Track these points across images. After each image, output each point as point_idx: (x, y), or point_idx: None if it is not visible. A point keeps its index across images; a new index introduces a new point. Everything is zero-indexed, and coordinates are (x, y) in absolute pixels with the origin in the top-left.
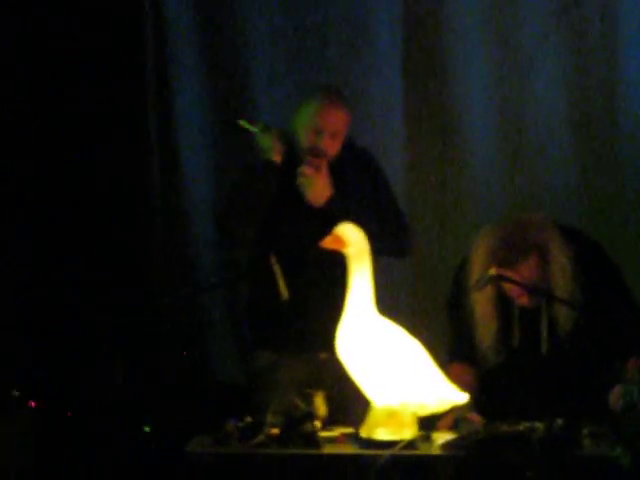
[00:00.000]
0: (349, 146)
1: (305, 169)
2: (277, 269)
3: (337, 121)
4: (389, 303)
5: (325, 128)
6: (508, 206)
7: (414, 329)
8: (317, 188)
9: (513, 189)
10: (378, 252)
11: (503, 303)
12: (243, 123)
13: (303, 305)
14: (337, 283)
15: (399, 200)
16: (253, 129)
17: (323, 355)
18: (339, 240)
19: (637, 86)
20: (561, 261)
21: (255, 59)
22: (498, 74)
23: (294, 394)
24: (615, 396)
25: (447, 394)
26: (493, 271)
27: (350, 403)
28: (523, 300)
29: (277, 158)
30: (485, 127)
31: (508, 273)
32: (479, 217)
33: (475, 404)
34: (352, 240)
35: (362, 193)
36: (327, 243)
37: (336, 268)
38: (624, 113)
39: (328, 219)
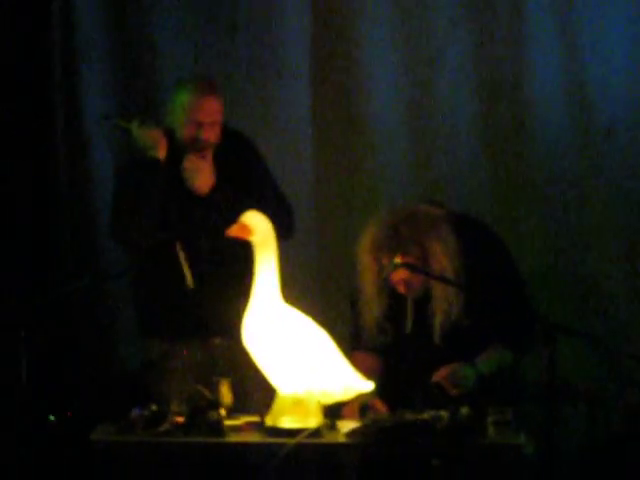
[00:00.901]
0: (224, 131)
1: (191, 161)
2: (182, 256)
3: (214, 111)
4: (295, 292)
5: (204, 119)
6: (416, 196)
7: (320, 318)
8: (201, 178)
9: (421, 178)
10: None
11: (391, 290)
12: (119, 121)
13: (195, 292)
14: (228, 269)
15: (307, 189)
16: (129, 126)
17: (217, 341)
18: (245, 228)
19: (543, 77)
20: (440, 260)
21: (162, 55)
22: (407, 64)
23: (190, 381)
24: (445, 371)
25: (352, 382)
26: (399, 259)
27: (246, 388)
28: (401, 289)
29: (161, 154)
30: (393, 117)
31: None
32: (387, 205)
33: (379, 392)
34: (258, 228)
35: (243, 177)
36: (233, 231)
37: (227, 255)
38: (530, 103)
39: (214, 206)
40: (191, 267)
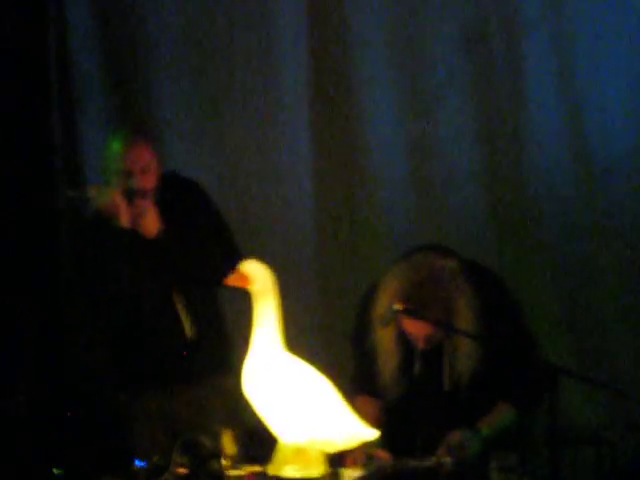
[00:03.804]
0: (174, 180)
1: (136, 205)
2: (180, 305)
3: (141, 157)
4: (297, 335)
5: (132, 168)
6: (418, 239)
7: (322, 362)
8: (147, 220)
9: (423, 222)
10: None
11: (404, 340)
12: (73, 193)
13: (153, 340)
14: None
15: (309, 237)
16: (85, 197)
17: (179, 387)
18: (244, 277)
19: (542, 120)
20: (465, 315)
21: (158, 71)
22: (406, 108)
23: (161, 428)
24: (450, 438)
25: (355, 430)
26: (399, 306)
27: None
28: (420, 344)
29: (124, 221)
30: (394, 159)
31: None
32: (389, 249)
33: (382, 438)
34: (257, 277)
35: (191, 222)
36: (232, 281)
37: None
38: (530, 145)
39: (163, 250)
40: (188, 315)
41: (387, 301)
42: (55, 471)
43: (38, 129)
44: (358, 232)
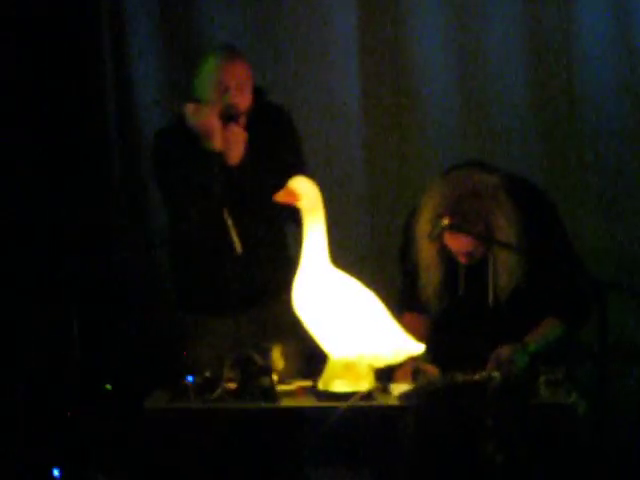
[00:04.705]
0: (264, 103)
1: (233, 131)
2: (230, 223)
3: (240, 73)
4: (345, 254)
5: (230, 83)
6: (465, 156)
7: (371, 279)
8: (238, 148)
9: (470, 139)
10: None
11: (447, 256)
12: (171, 107)
13: (220, 266)
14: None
15: (358, 156)
16: (182, 111)
17: (235, 305)
18: (292, 194)
19: (592, 35)
20: (507, 230)
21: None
22: (454, 24)
23: (219, 346)
24: (499, 352)
25: (403, 345)
26: (446, 221)
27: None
28: (462, 260)
29: (218, 144)
30: (442, 77)
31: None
32: (437, 166)
33: (430, 353)
34: (305, 193)
35: (271, 152)
36: (280, 197)
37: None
38: (579, 61)
39: (242, 176)
40: (239, 234)
41: (428, 217)
42: (107, 387)
43: (88, 51)
44: (407, 149)
